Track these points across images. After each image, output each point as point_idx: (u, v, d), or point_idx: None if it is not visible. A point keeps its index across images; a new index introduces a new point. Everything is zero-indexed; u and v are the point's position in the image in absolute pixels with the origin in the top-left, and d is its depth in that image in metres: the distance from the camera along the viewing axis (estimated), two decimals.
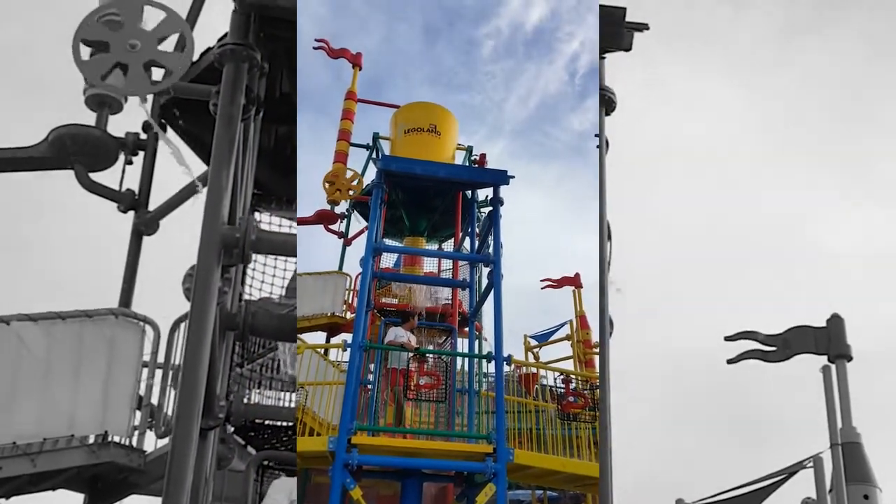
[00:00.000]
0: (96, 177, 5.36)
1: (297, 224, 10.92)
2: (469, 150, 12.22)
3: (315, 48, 11.26)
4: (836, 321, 4.82)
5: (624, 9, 4.12)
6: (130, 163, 5.43)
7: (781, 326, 4.84)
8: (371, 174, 10.97)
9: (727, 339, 4.84)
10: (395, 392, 6.20)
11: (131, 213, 5.41)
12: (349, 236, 11.50)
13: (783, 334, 4.82)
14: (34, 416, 4.42)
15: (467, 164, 11.98)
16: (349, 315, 10.42)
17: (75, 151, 5.20)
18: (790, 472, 4.44)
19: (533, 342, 10.91)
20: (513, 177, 6.55)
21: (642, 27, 4.15)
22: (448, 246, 11.37)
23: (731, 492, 4.49)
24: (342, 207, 11.17)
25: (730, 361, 4.83)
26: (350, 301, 10.59)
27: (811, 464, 4.36)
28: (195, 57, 4.81)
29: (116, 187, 5.39)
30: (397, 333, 6.50)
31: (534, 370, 8.58)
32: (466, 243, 9.06)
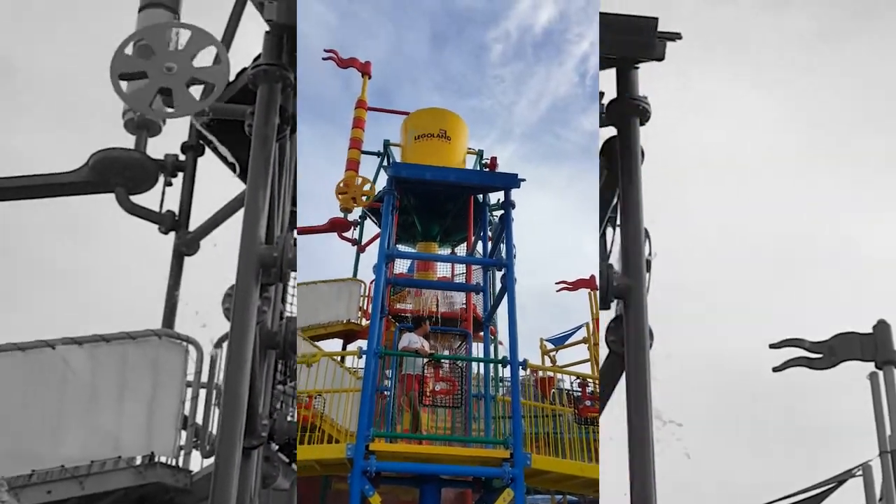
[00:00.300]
0: (137, 199, 5.44)
1: (312, 233, 11.07)
2: (480, 154, 12.24)
3: (324, 59, 11.38)
4: (882, 327, 4.75)
5: (656, 19, 4.11)
6: (170, 184, 5.49)
7: (827, 333, 4.79)
8: (382, 181, 11.06)
9: (772, 346, 4.79)
10: (409, 398, 6.21)
11: (172, 234, 5.45)
12: (362, 243, 11.57)
13: (829, 341, 4.77)
14: (81, 438, 4.48)
15: (478, 168, 12.00)
16: (364, 322, 10.47)
17: (116, 175, 5.28)
18: (839, 480, 4.35)
19: (549, 346, 10.83)
20: (523, 180, 6.55)
21: (675, 36, 4.11)
22: (461, 250, 11.38)
23: (778, 502, 4.40)
24: (355, 215, 11.25)
25: (775, 369, 4.77)
26: (365, 307, 10.65)
27: (860, 472, 4.30)
28: (231, 77, 4.87)
29: (157, 209, 5.45)
30: (410, 339, 6.52)
31: (550, 374, 8.52)
32: (479, 247, 9.06)
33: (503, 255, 6.55)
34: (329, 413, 7.05)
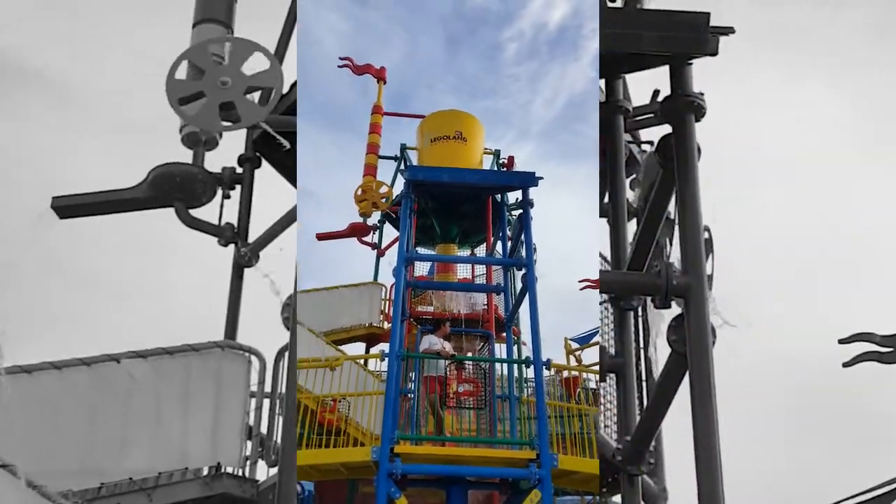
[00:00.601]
0: (195, 212, 5.46)
1: (332, 238, 11.18)
2: (496, 153, 12.20)
3: (340, 66, 11.50)
4: None
5: (708, 13, 4.03)
6: (228, 197, 5.50)
7: None
8: (400, 185, 11.10)
9: (841, 341, 4.61)
10: (430, 400, 6.20)
11: (231, 247, 5.45)
12: (382, 247, 11.64)
13: None
14: (148, 451, 4.53)
15: (495, 168, 11.95)
16: (386, 325, 10.52)
17: (175, 189, 5.32)
18: None
19: (574, 345, 10.70)
20: (541, 178, 6.49)
21: (728, 30, 4.02)
22: (480, 251, 11.35)
23: (849, 500, 4.24)
24: (374, 219, 11.33)
25: (845, 364, 4.56)
26: (386, 311, 10.70)
27: None
28: (285, 89, 4.83)
29: (215, 222, 5.45)
30: (430, 341, 6.52)
31: (575, 373, 8.42)
32: (499, 247, 9.02)
33: (523, 254, 6.49)
34: (354, 416, 7.10)
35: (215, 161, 5.58)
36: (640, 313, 5.12)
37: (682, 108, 4.23)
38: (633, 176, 5.46)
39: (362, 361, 7.96)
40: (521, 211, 6.81)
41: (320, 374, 7.09)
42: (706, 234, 4.11)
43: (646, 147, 5.61)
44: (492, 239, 9.79)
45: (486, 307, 9.90)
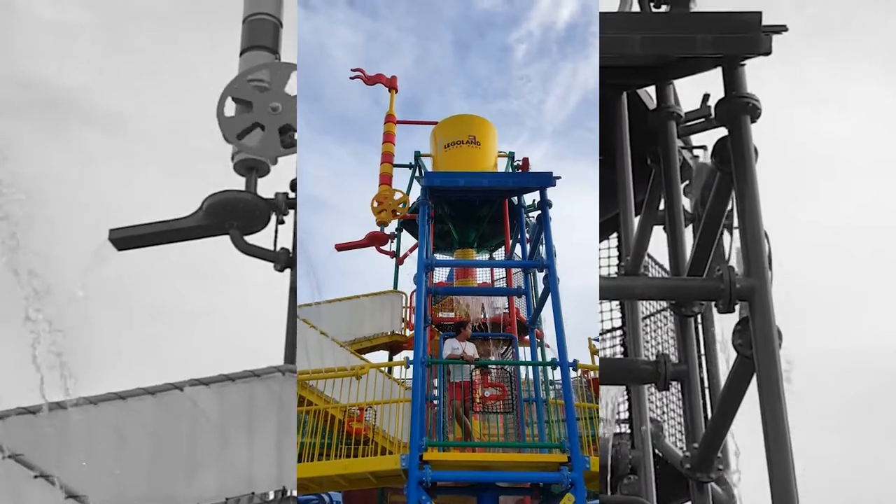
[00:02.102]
0: (251, 238, 5.46)
1: (351, 248, 11.25)
2: (511, 155, 12.16)
3: (352, 77, 11.63)
4: None
5: (759, 13, 4.01)
6: (282, 222, 5.49)
7: None
8: (416, 192, 11.14)
9: None
10: (453, 406, 6.14)
11: (287, 271, 5.43)
12: (400, 255, 11.66)
13: None
14: (214, 477, 4.56)
15: (510, 170, 11.91)
16: (408, 332, 10.51)
17: (230, 216, 5.34)
18: None
19: (598, 345, 10.55)
20: (559, 178, 6.44)
21: (780, 29, 3.99)
22: (499, 255, 11.28)
23: None
24: (391, 228, 11.37)
25: None
26: (407, 318, 10.70)
27: None
28: None
29: (270, 247, 5.43)
30: (453, 346, 6.48)
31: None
32: (518, 250, 8.97)
33: (542, 255, 6.43)
34: (380, 425, 7.08)
35: (268, 187, 5.59)
36: (699, 320, 5.04)
37: (737, 109, 4.17)
38: (686, 182, 5.39)
39: (386, 370, 7.95)
40: (538, 212, 6.76)
41: (346, 384, 7.10)
42: (765, 233, 4.06)
43: (697, 152, 5.52)
44: (510, 242, 9.74)
45: (507, 310, 9.83)
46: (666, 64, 4.47)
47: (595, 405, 7.08)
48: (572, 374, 5.69)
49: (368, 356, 9.85)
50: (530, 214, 9.32)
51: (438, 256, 10.51)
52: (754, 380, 3.82)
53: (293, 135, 4.84)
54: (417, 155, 12.09)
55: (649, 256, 5.50)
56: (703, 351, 5.38)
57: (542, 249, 6.70)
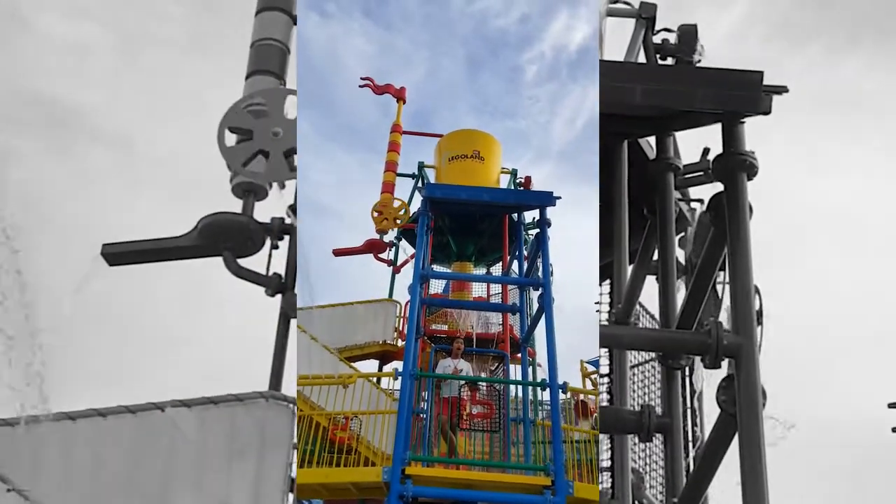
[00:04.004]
0: (244, 262, 5.36)
1: (349, 254, 11.21)
2: (514, 173, 12.19)
3: (361, 86, 11.71)
4: None
5: (761, 72, 3.99)
6: (276, 247, 5.38)
7: None
8: (418, 202, 11.13)
9: (891, 406, 4.51)
10: (439, 421, 6.07)
11: (279, 297, 5.31)
12: (398, 264, 11.64)
13: None
14: (190, 502, 4.45)
15: (513, 186, 11.93)
16: (400, 342, 10.45)
17: (224, 238, 5.26)
18: None
19: (590, 367, 10.49)
20: (559, 198, 6.44)
21: (781, 89, 4.00)
22: (496, 270, 11.26)
23: None
24: (391, 236, 11.36)
25: (895, 429, 4.49)
26: (400, 328, 10.64)
27: None
28: None
29: (263, 271, 5.32)
30: (444, 364, 6.42)
31: (592, 397, 8.22)
32: (515, 266, 8.94)
33: (539, 274, 6.41)
34: (365, 435, 7.00)
35: (265, 211, 5.52)
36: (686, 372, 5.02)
37: (734, 166, 4.17)
38: (682, 234, 5.42)
39: (375, 379, 7.88)
40: (537, 230, 6.75)
41: (332, 391, 7.03)
42: (756, 291, 4.04)
43: (695, 205, 5.53)
44: (508, 257, 9.72)
45: (500, 326, 9.78)
46: (667, 115, 4.48)
47: (583, 430, 7.01)
48: (561, 395, 5.63)
49: (359, 364, 9.78)
50: (529, 232, 9.32)
51: (436, 268, 10.50)
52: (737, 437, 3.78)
53: (295, 158, 4.83)
54: (421, 166, 12.13)
55: (640, 305, 5.50)
56: (688, 402, 5.35)
57: (539, 268, 6.68)
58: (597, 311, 5.55)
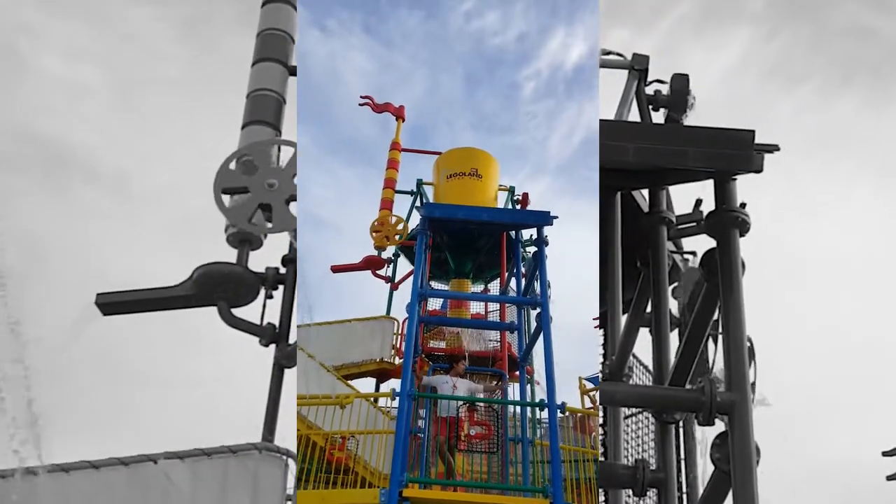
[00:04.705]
0: (238, 311, 5.39)
1: (347, 271, 11.22)
2: (511, 190, 12.28)
3: (361, 104, 11.86)
4: None
5: (753, 131, 4.05)
6: (271, 297, 5.41)
7: None
8: (416, 219, 11.17)
9: (885, 454, 4.52)
10: (437, 442, 6.02)
11: (272, 347, 5.34)
12: (395, 281, 11.64)
13: None
14: None
15: (510, 203, 11.99)
16: (398, 360, 10.39)
17: (219, 288, 5.27)
18: None
19: (588, 385, 10.43)
20: (556, 217, 6.46)
21: (773, 148, 4.04)
22: (494, 286, 11.26)
23: None
24: (389, 253, 11.37)
25: (889, 478, 4.51)
26: (398, 345, 10.59)
27: None
28: None
29: (257, 321, 5.36)
30: (443, 381, 6.38)
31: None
32: (513, 283, 8.94)
33: (537, 291, 6.41)
34: (362, 455, 6.93)
35: (259, 261, 5.55)
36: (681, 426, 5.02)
37: (726, 223, 4.21)
38: (675, 284, 5.43)
39: (372, 399, 7.82)
40: (535, 249, 6.77)
41: (329, 411, 6.98)
42: (748, 344, 4.06)
43: (687, 256, 5.58)
44: (506, 274, 9.72)
45: (498, 344, 9.74)
46: (660, 170, 4.50)
47: (582, 449, 6.95)
48: (560, 414, 5.59)
49: (355, 382, 9.72)
50: (527, 249, 9.34)
51: (434, 284, 10.48)
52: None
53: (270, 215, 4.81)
54: (420, 183, 12.21)
55: (634, 356, 5.50)
56: (682, 455, 5.30)
57: (537, 286, 6.68)
58: (600, 364, 5.51)
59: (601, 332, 5.58)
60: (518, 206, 12.28)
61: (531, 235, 8.20)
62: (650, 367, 4.98)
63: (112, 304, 5.29)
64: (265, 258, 5.54)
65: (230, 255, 5.55)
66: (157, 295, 5.35)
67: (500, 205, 11.63)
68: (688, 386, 4.42)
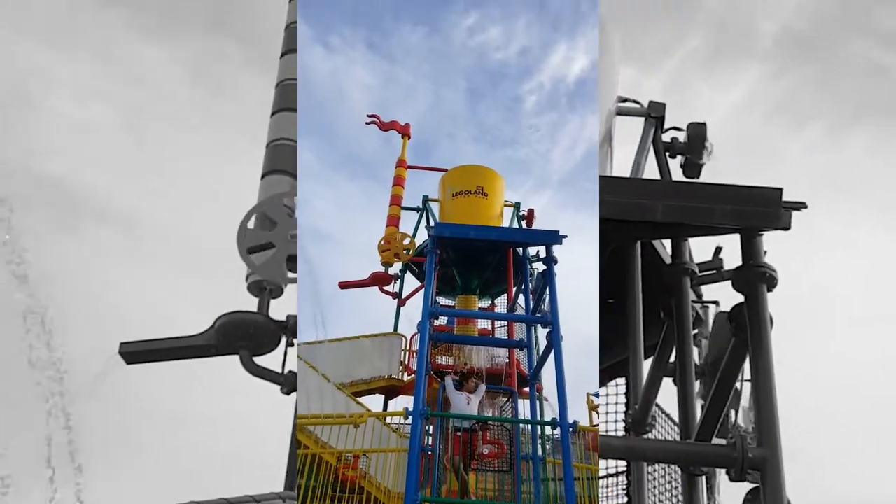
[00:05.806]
0: (259, 360, 5.38)
1: (354, 287, 11.29)
2: (517, 206, 12.39)
3: (367, 123, 12.04)
4: None
5: (780, 189, 4.07)
6: (292, 345, 5.43)
7: None
8: (422, 236, 11.28)
9: None
10: (453, 463, 6.03)
11: (293, 395, 5.35)
12: (403, 297, 11.71)
13: None
14: None
15: (515, 219, 12.10)
16: (406, 377, 10.42)
17: (240, 337, 5.29)
18: None
19: (597, 401, 10.43)
20: (565, 236, 6.55)
21: (800, 206, 4.04)
22: (501, 301, 11.31)
23: None
24: (396, 269, 11.46)
25: None
26: (406, 362, 10.63)
27: None
28: None
29: (278, 369, 5.34)
30: (458, 396, 6.39)
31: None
32: (521, 300, 8.99)
33: (546, 309, 6.47)
34: (374, 474, 6.95)
35: (280, 309, 5.56)
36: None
37: (754, 278, 4.20)
38: (695, 331, 5.44)
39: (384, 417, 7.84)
40: (544, 268, 6.84)
41: (342, 430, 7.01)
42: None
43: (707, 304, 5.58)
44: (513, 290, 9.77)
45: (507, 361, 9.76)
46: (683, 223, 4.45)
47: (593, 466, 6.95)
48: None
49: (364, 399, 9.73)
50: (534, 265, 9.42)
51: (440, 300, 10.53)
52: None
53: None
54: (426, 199, 12.33)
55: (657, 406, 5.43)
56: None
57: (546, 303, 6.74)
58: (623, 419, 5.46)
59: (617, 381, 5.53)
60: (524, 222, 12.40)
61: (537, 252, 8.27)
62: (672, 416, 4.96)
63: (136, 353, 5.32)
64: (284, 305, 5.54)
65: (238, 288, 5.60)
66: (179, 344, 5.37)
67: (506, 220, 11.74)
68: (714, 441, 4.37)
